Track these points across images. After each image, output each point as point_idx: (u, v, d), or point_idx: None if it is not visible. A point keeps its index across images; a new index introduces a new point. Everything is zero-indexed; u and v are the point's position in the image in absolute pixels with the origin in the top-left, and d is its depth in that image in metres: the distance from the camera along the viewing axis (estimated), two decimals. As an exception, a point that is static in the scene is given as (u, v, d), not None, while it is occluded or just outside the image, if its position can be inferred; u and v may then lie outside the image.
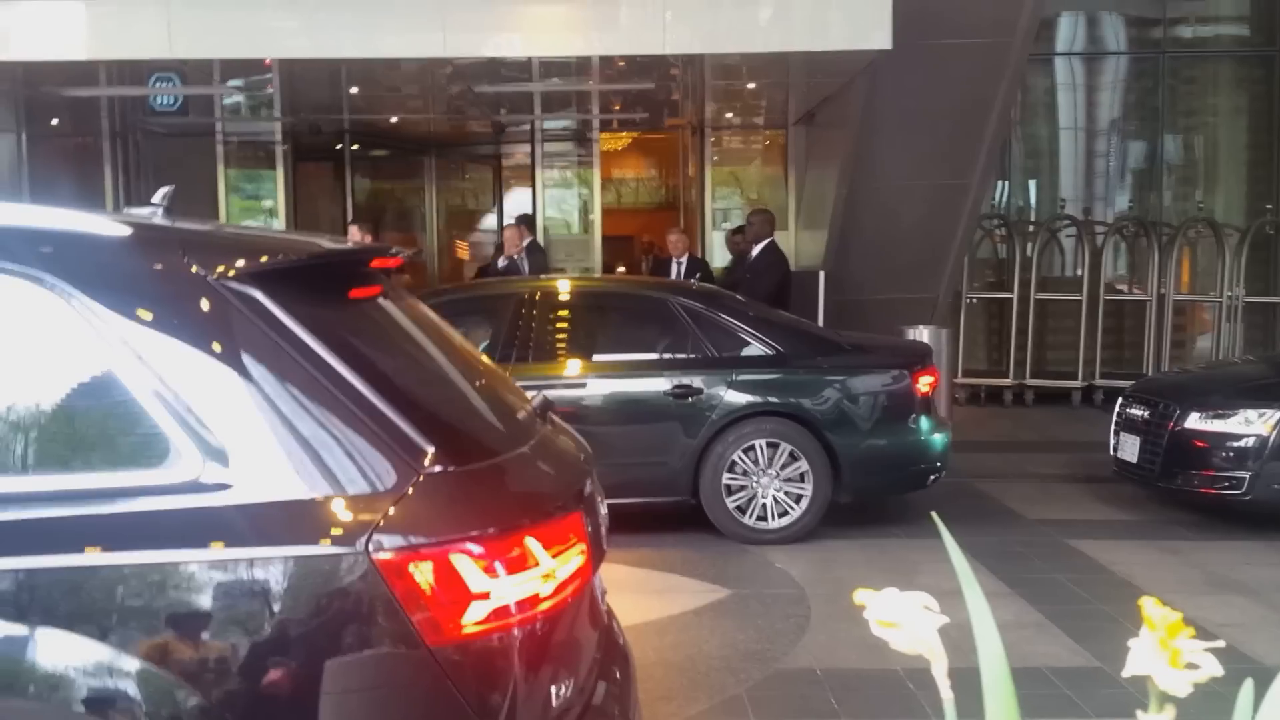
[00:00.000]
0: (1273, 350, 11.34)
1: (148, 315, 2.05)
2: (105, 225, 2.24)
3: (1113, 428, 7.24)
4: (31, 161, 11.76)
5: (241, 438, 1.98)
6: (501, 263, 10.22)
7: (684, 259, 10.08)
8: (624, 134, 13.83)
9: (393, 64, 9.49)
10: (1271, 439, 6.29)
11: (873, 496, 6.82)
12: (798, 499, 6.29)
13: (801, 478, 6.28)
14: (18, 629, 1.88)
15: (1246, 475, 6.31)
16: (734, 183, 13.11)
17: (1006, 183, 12.65)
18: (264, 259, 2.23)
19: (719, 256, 12.40)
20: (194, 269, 2.11)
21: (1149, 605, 0.83)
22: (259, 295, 2.09)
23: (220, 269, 2.11)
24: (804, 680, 4.33)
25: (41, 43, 8.32)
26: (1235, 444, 6.38)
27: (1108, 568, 5.81)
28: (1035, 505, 7.23)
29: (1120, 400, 7.33)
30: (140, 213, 2.45)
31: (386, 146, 14.15)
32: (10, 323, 2.06)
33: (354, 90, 10.94)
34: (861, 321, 10.56)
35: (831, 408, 6.36)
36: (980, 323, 12.45)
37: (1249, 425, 6.36)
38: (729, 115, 12.51)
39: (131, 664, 1.88)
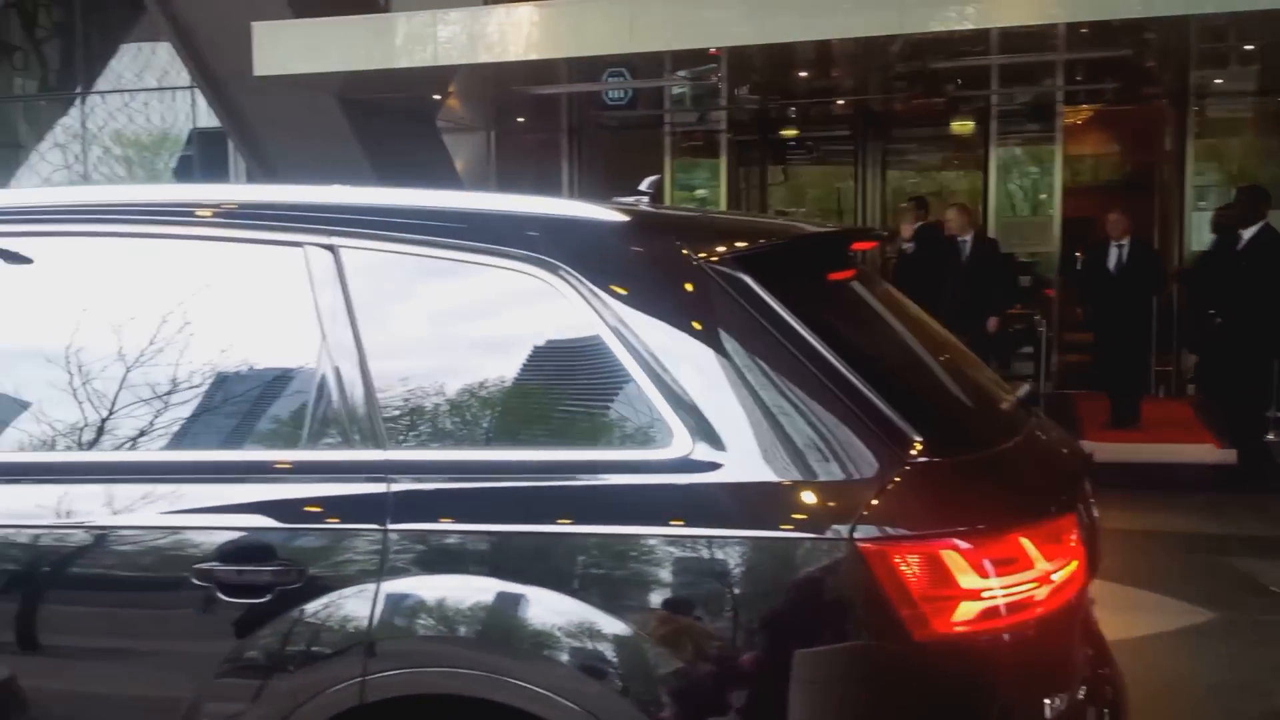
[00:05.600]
0: None
1: (646, 299, 2.10)
2: (608, 213, 2.28)
3: None
4: (499, 157, 12.96)
5: (728, 419, 1.98)
6: (907, 247, 9.85)
7: (1125, 241, 9.19)
8: (1089, 107, 12.75)
9: (839, 45, 9.33)
10: None
11: None
12: None
13: None
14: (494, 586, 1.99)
15: None
16: (1217, 157, 11.71)
17: None
18: (752, 242, 2.24)
19: (1197, 239, 11.15)
20: (685, 253, 2.15)
21: None
22: (747, 279, 2.09)
23: (710, 253, 2.14)
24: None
25: (510, 45, 8.96)
26: None
27: None
28: None
29: None
30: (628, 201, 2.51)
31: (823, 129, 14.05)
32: (523, 306, 2.16)
33: (801, 74, 10.97)
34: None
35: None
36: None
37: None
38: (1218, 81, 11.15)
39: (616, 626, 1.93)
